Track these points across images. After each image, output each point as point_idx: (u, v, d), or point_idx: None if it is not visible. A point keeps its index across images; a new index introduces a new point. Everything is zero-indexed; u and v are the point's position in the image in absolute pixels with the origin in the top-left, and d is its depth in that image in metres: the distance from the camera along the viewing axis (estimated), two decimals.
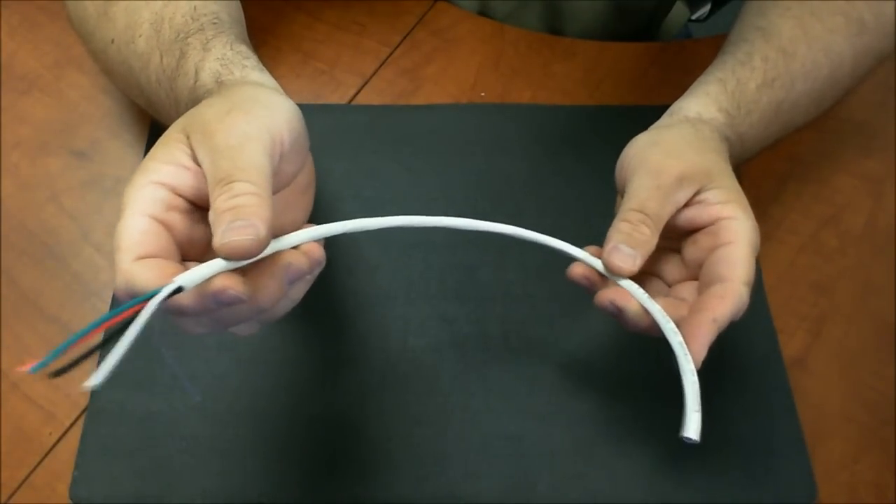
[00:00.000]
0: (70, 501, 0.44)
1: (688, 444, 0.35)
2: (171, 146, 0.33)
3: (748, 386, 0.47)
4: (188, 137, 0.33)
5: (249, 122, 0.33)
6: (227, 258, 0.30)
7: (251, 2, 0.49)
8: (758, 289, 0.51)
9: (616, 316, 0.39)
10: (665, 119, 0.45)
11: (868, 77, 0.51)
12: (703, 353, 0.36)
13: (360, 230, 0.36)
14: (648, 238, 0.38)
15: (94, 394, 0.46)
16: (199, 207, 0.34)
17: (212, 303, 0.30)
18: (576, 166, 0.55)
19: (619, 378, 0.48)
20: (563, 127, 0.57)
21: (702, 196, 0.40)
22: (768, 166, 0.55)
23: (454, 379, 0.47)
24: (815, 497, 0.44)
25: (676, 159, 0.40)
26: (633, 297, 0.38)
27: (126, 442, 0.45)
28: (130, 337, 0.28)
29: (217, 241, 0.30)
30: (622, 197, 0.42)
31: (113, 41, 0.45)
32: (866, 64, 0.49)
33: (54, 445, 0.46)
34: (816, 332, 0.50)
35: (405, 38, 0.62)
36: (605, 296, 0.39)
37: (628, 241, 0.38)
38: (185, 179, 0.33)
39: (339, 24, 0.63)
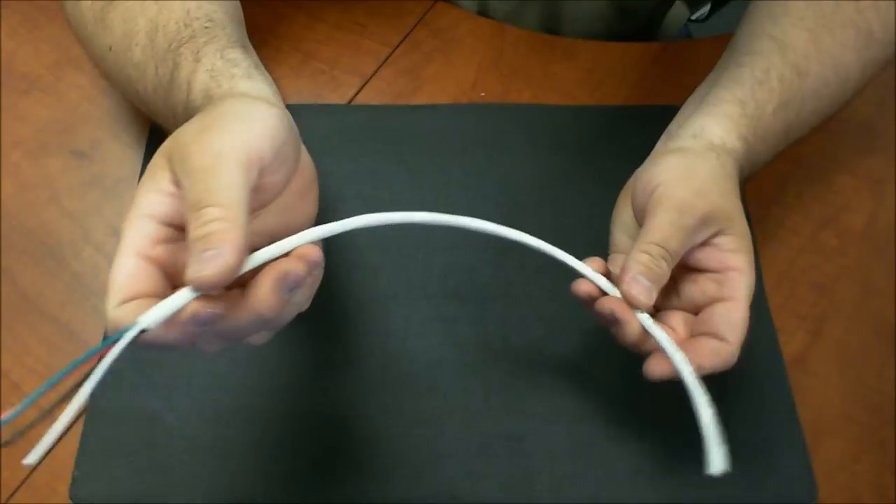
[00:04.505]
0: (70, 501, 0.44)
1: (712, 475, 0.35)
2: (155, 173, 0.33)
3: (748, 386, 0.47)
4: (170, 161, 0.33)
5: (223, 139, 0.32)
6: (199, 289, 0.31)
7: (251, 2, 0.49)
8: (758, 289, 0.50)
9: (611, 325, 0.39)
10: (689, 140, 0.43)
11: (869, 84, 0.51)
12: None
13: (341, 231, 0.35)
14: (665, 273, 0.38)
15: (95, 394, 0.46)
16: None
17: (193, 327, 0.31)
18: (576, 166, 0.55)
19: (619, 378, 0.48)
20: (563, 127, 0.57)
21: (716, 240, 0.39)
22: (769, 166, 0.55)
23: (454, 379, 0.47)
24: (815, 497, 0.44)
25: (703, 199, 0.39)
26: (644, 324, 0.38)
27: (126, 442, 0.45)
28: (90, 387, 0.31)
29: (188, 274, 0.30)
30: (634, 211, 0.42)
31: (111, 48, 0.45)
32: (870, 74, 0.49)
33: (54, 445, 0.46)
34: (816, 332, 0.50)
35: (405, 38, 0.62)
36: (608, 304, 0.38)
37: (647, 274, 0.38)
38: (169, 207, 0.33)
39: (339, 24, 0.63)
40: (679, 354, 0.37)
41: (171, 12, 0.42)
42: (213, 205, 0.30)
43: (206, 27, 0.41)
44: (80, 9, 0.47)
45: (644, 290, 0.37)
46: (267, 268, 0.32)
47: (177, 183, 0.33)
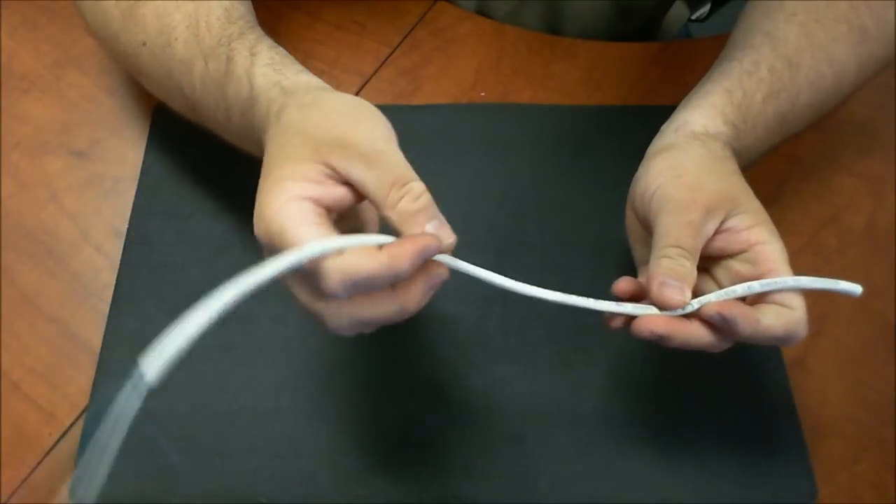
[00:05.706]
0: (70, 501, 0.44)
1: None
2: (303, 165, 0.34)
3: (748, 386, 0.47)
4: (323, 155, 0.34)
5: (379, 126, 0.36)
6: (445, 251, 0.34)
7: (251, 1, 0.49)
8: None
9: (660, 343, 0.38)
10: (671, 135, 0.44)
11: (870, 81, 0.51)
12: (730, 313, 0.37)
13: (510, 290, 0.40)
14: (690, 270, 0.38)
15: (94, 394, 0.46)
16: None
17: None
18: (576, 166, 0.55)
19: (619, 378, 0.48)
20: (564, 127, 0.57)
21: (729, 223, 0.39)
22: (768, 166, 0.55)
23: (454, 379, 0.47)
24: (815, 497, 0.44)
25: (700, 192, 0.39)
26: (694, 307, 0.38)
27: (126, 442, 0.45)
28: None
29: (438, 232, 0.34)
30: (641, 223, 0.42)
31: (145, 44, 0.45)
32: (869, 71, 0.49)
33: (54, 445, 0.46)
34: (816, 332, 0.50)
35: (405, 38, 0.62)
36: (645, 326, 0.37)
37: (673, 275, 0.37)
38: (324, 192, 0.34)
39: (339, 23, 0.63)
40: (742, 287, 0.38)
41: (209, 9, 0.43)
42: (414, 180, 0.34)
43: (251, 26, 0.43)
44: (102, 7, 0.47)
45: (675, 289, 0.37)
46: (418, 273, 0.34)
47: (328, 175, 0.34)
